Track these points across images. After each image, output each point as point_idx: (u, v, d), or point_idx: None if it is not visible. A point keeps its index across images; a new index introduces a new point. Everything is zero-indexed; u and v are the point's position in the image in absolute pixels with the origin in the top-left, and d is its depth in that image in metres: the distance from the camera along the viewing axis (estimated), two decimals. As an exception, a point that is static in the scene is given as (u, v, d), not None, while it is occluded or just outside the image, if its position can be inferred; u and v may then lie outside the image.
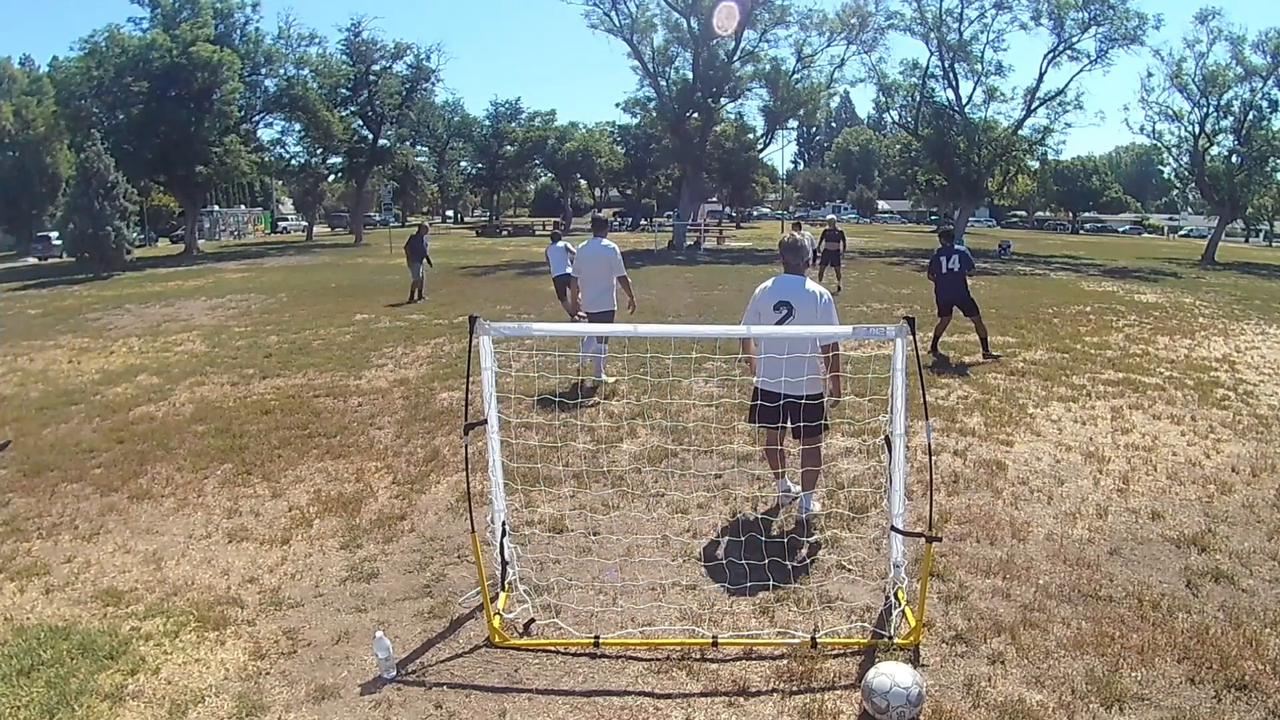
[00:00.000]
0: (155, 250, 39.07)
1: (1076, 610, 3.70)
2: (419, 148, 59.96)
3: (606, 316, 7.87)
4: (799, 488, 4.88)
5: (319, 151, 45.09)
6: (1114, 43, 32.50)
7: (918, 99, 37.01)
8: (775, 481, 5.01)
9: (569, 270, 12.96)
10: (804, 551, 4.34)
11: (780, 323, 4.50)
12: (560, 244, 13.39)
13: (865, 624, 3.60)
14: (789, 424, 4.57)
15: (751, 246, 36.54)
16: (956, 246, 10.33)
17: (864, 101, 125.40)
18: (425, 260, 16.51)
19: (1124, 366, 9.05)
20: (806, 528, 4.63)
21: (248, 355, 10.35)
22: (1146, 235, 69.31)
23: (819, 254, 16.92)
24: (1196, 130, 34.68)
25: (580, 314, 8.21)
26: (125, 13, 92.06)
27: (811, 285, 4.57)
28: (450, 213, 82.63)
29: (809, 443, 4.65)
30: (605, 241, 7.88)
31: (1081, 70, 33.54)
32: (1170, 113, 35.33)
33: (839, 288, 17.28)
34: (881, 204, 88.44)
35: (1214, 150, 35.28)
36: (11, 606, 3.91)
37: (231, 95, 35.33)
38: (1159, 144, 38.49)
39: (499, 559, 3.79)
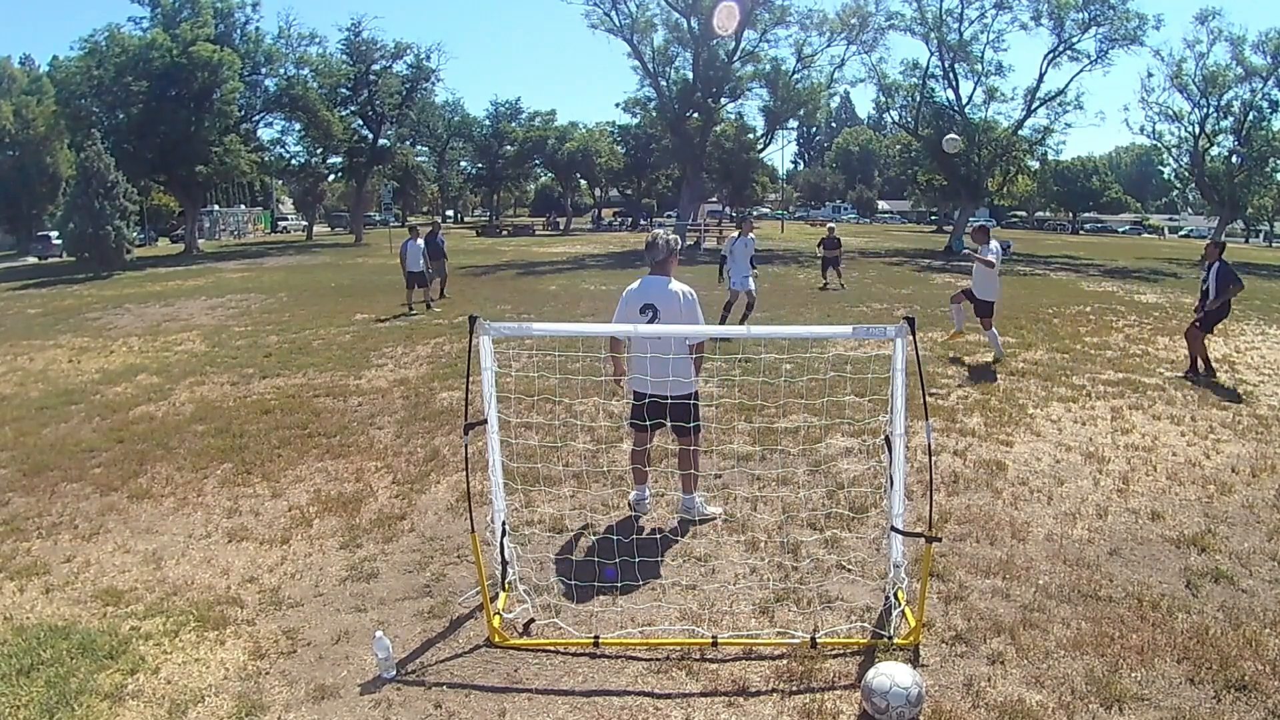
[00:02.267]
0: (155, 250, 39.05)
1: (1076, 610, 3.70)
2: (419, 147, 59.92)
3: (988, 308, 9.30)
4: (681, 493, 4.86)
5: (319, 151, 45.06)
6: (1114, 43, 32.50)
7: (918, 99, 36.98)
8: (634, 489, 4.95)
9: (421, 268, 14.26)
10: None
11: (649, 324, 4.52)
12: (418, 241, 14.15)
13: (865, 624, 3.60)
14: (665, 423, 4.56)
15: (751, 246, 36.54)
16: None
17: (864, 101, 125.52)
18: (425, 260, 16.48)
19: (1124, 366, 9.05)
20: (688, 528, 4.64)
21: (248, 355, 10.35)
22: (1146, 235, 69.31)
23: (819, 258, 16.68)
24: (1196, 130, 34.73)
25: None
26: (125, 12, 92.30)
27: (675, 285, 4.56)
28: (450, 212, 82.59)
29: (684, 443, 4.69)
30: (994, 244, 9.48)
31: (1081, 70, 33.54)
32: (1170, 113, 35.40)
33: (841, 286, 17.62)
34: (881, 204, 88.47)
35: (1214, 150, 35.34)
36: (11, 606, 3.91)
37: (231, 95, 35.31)
38: (1159, 144, 38.57)
39: (499, 559, 3.79)
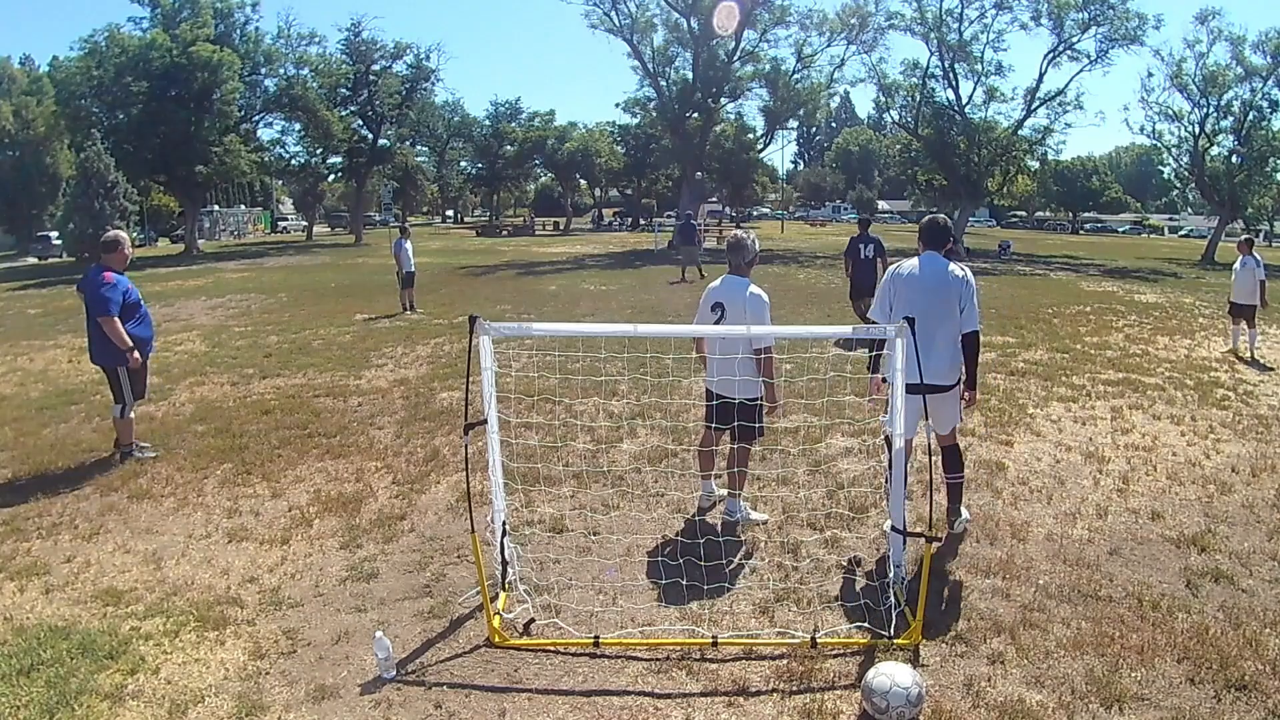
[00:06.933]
0: (155, 250, 39.04)
1: (1076, 610, 3.70)
2: (419, 148, 59.88)
3: (1251, 311, 9.99)
4: (724, 492, 4.83)
5: (319, 151, 45.06)
6: (1114, 43, 32.57)
7: (918, 99, 37.02)
8: (701, 483, 5.01)
9: (413, 268, 14.42)
10: (734, 557, 4.26)
11: (716, 323, 4.53)
12: (407, 242, 14.25)
13: (865, 624, 3.60)
14: (723, 425, 4.55)
15: (751, 246, 36.49)
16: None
17: (864, 101, 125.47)
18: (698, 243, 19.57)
19: (1124, 366, 9.05)
20: (731, 530, 4.61)
21: (248, 355, 10.35)
22: (1146, 235, 69.35)
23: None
24: (1196, 130, 34.78)
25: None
26: (125, 12, 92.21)
27: (748, 287, 4.52)
28: (450, 212, 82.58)
29: (734, 442, 4.66)
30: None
31: (1081, 70, 33.64)
32: (1170, 113, 35.46)
33: None
34: (881, 204, 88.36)
35: (1214, 150, 35.39)
36: (11, 606, 3.90)
37: (231, 95, 35.31)
38: (1159, 144, 38.61)
39: (499, 559, 3.79)
